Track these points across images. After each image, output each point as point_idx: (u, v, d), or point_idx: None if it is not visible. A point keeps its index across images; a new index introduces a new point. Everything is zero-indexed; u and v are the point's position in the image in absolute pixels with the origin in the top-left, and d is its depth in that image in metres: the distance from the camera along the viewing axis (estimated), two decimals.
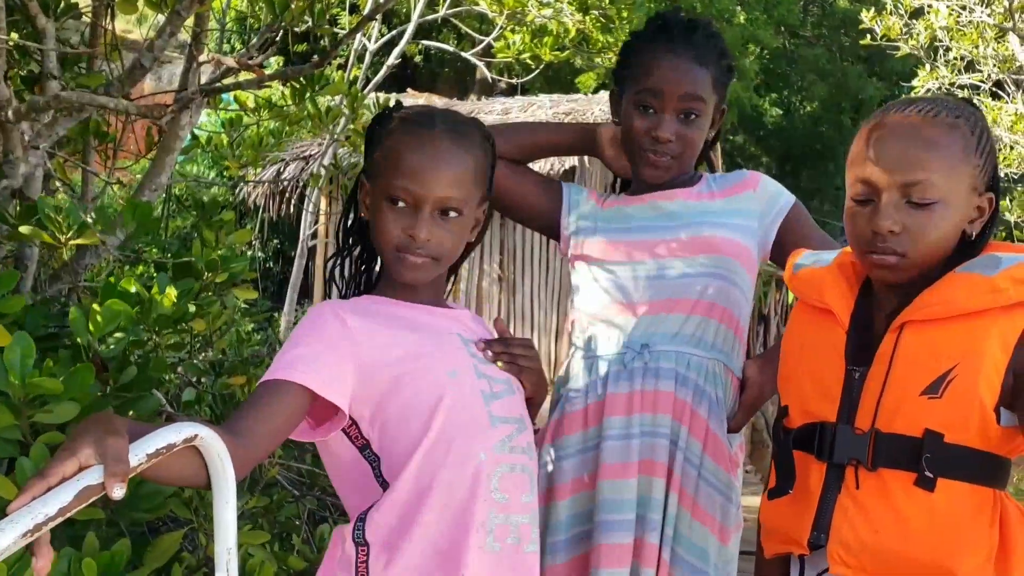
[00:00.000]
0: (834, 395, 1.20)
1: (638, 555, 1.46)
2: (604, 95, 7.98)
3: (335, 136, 3.11)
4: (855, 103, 17.42)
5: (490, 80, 3.46)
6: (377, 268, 1.35)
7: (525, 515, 1.25)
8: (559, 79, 10.95)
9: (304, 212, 4.14)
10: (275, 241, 8.02)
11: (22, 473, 1.21)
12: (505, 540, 1.20)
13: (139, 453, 0.86)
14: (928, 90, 5.10)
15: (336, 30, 3.23)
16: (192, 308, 1.53)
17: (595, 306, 1.57)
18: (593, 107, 7.59)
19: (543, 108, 7.72)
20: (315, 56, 1.99)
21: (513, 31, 3.50)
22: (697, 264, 1.52)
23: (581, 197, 1.64)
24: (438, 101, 8.93)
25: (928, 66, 4.82)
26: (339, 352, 1.15)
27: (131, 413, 1.48)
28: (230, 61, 1.48)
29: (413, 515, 1.15)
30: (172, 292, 1.52)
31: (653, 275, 1.53)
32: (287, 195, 6.50)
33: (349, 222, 1.37)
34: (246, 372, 2.54)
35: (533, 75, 3.69)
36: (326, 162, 3.55)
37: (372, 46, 3.67)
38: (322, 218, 4.24)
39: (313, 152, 6.34)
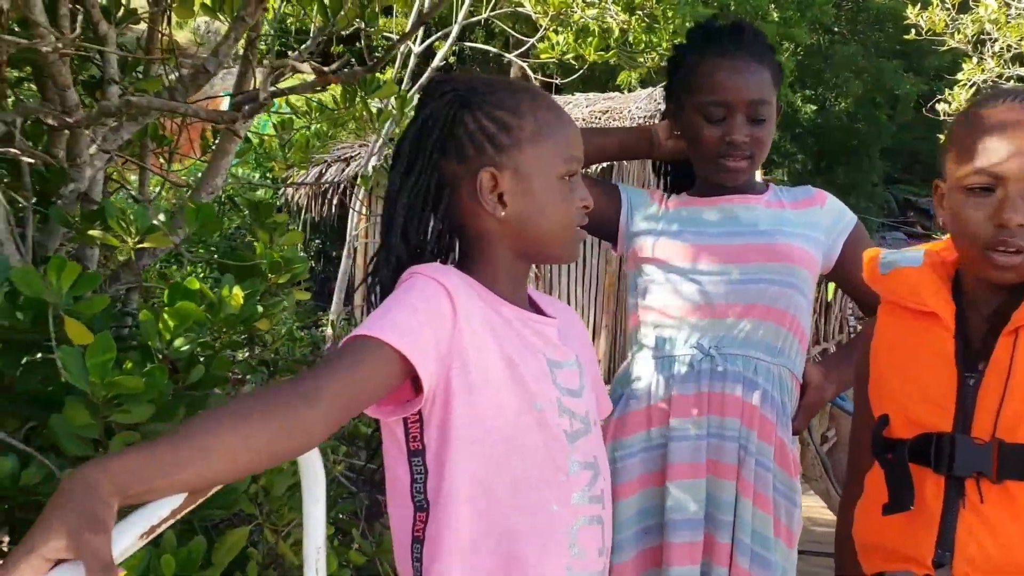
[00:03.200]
0: (947, 404, 1.13)
1: (709, 553, 1.47)
2: (641, 92, 7.96)
3: (384, 137, 3.13)
4: (890, 99, 17.21)
5: (535, 81, 3.44)
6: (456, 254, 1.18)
7: (596, 570, 1.13)
8: (594, 78, 10.92)
9: (351, 212, 4.16)
10: (316, 241, 8.11)
11: None
12: None
13: (127, 537, 0.74)
14: (974, 84, 5.02)
15: (388, 33, 3.25)
16: (260, 309, 1.55)
17: (664, 307, 1.57)
18: (630, 105, 7.57)
19: (579, 107, 7.71)
20: (352, 59, 2.01)
21: (556, 31, 3.51)
22: (771, 271, 1.52)
23: (643, 198, 1.65)
24: None
25: (976, 59, 4.75)
26: (438, 332, 0.99)
27: (199, 412, 1.50)
28: (306, 67, 1.49)
29: (475, 564, 1.03)
30: (239, 293, 1.54)
31: (727, 280, 1.53)
32: (328, 196, 6.56)
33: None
34: (297, 371, 2.58)
35: (575, 76, 3.69)
36: (374, 163, 3.58)
37: (416, 48, 3.70)
38: (361, 218, 4.25)
39: (353, 154, 6.39)
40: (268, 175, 6.10)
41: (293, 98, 2.64)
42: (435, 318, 1.00)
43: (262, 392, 0.87)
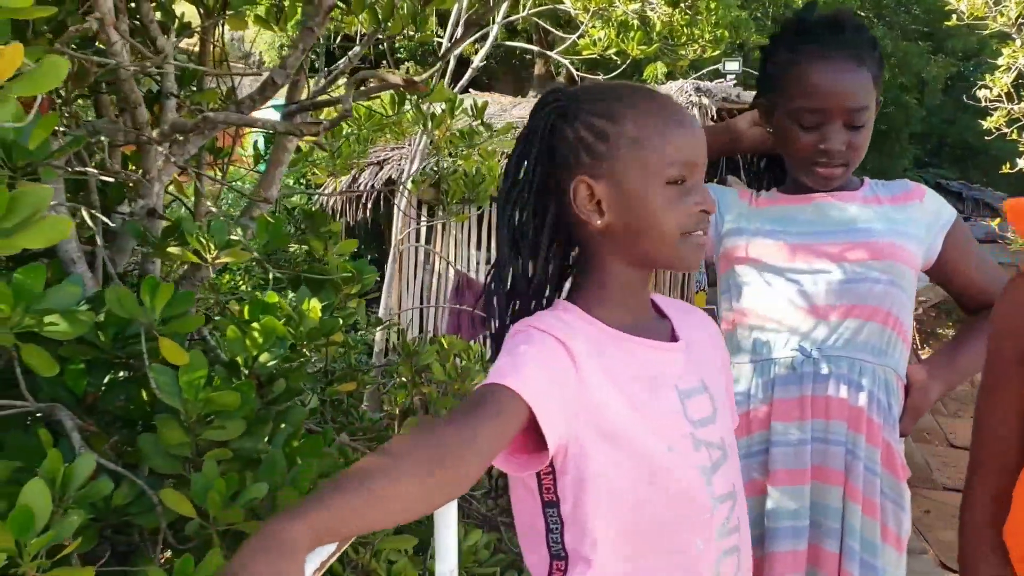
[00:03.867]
0: None
1: (815, 563, 1.43)
2: (671, 85, 7.89)
3: (426, 141, 3.12)
4: (918, 82, 16.97)
5: (576, 78, 3.39)
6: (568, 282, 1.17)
7: None
8: (623, 73, 10.85)
9: (395, 216, 4.15)
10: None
11: (196, 489, 1.23)
12: None
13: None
14: (1015, 67, 4.93)
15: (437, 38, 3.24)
16: (340, 321, 1.54)
17: (762, 309, 1.53)
18: None
19: None
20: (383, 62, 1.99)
21: (594, 27, 3.48)
22: (874, 270, 1.47)
23: (731, 197, 1.60)
24: (503, 100, 8.93)
25: (1019, 42, 4.66)
26: (564, 389, 0.98)
27: (283, 425, 1.49)
28: (395, 78, 1.48)
29: None
30: (317, 306, 1.53)
31: (828, 280, 1.48)
32: (363, 201, 6.57)
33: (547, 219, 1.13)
34: (354, 379, 2.57)
35: (613, 71, 3.65)
36: (415, 167, 3.57)
37: (455, 50, 3.67)
38: (398, 223, 4.25)
39: (386, 158, 6.39)
40: (301, 181, 6.11)
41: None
42: (558, 375, 0.99)
43: (429, 438, 0.85)
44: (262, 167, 2.42)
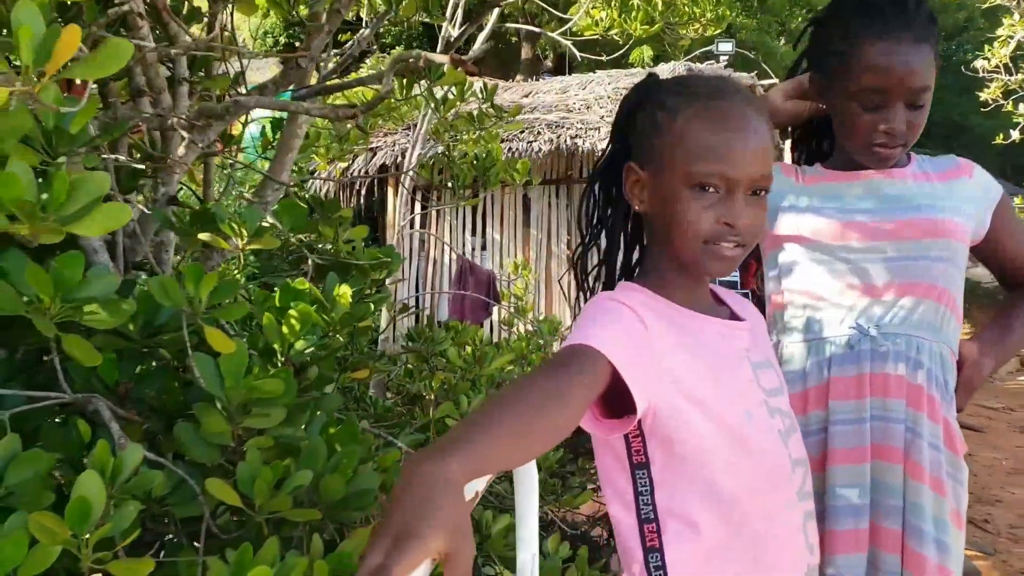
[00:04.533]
0: None
1: (877, 541, 1.42)
2: (664, 67, 7.87)
3: (428, 126, 3.11)
4: None
5: (578, 59, 3.36)
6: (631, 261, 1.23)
7: (816, 564, 1.18)
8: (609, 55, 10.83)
9: (394, 203, 4.11)
10: None
11: (242, 477, 1.22)
12: None
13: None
14: (1014, 39, 4.93)
15: (443, 23, 3.21)
16: (371, 307, 1.53)
17: (814, 288, 1.52)
18: None
19: (602, 84, 7.64)
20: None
21: (595, 7, 3.46)
22: (929, 248, 1.47)
23: (775, 172, 1.57)
24: (491, 83, 8.88)
25: (1016, 15, 4.67)
26: (645, 353, 1.01)
27: (318, 413, 1.48)
28: (443, 59, 1.45)
29: (721, 566, 1.06)
30: (347, 292, 1.52)
31: (883, 257, 1.47)
32: (356, 187, 6.54)
33: (604, 212, 1.21)
34: (367, 366, 2.56)
35: (621, 52, 3.63)
36: (417, 152, 3.54)
37: (455, 32, 3.65)
38: (400, 209, 4.22)
39: (379, 144, 6.35)
40: (297, 167, 6.06)
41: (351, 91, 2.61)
42: (638, 339, 1.02)
43: (527, 390, 0.87)
44: (270, 153, 2.40)
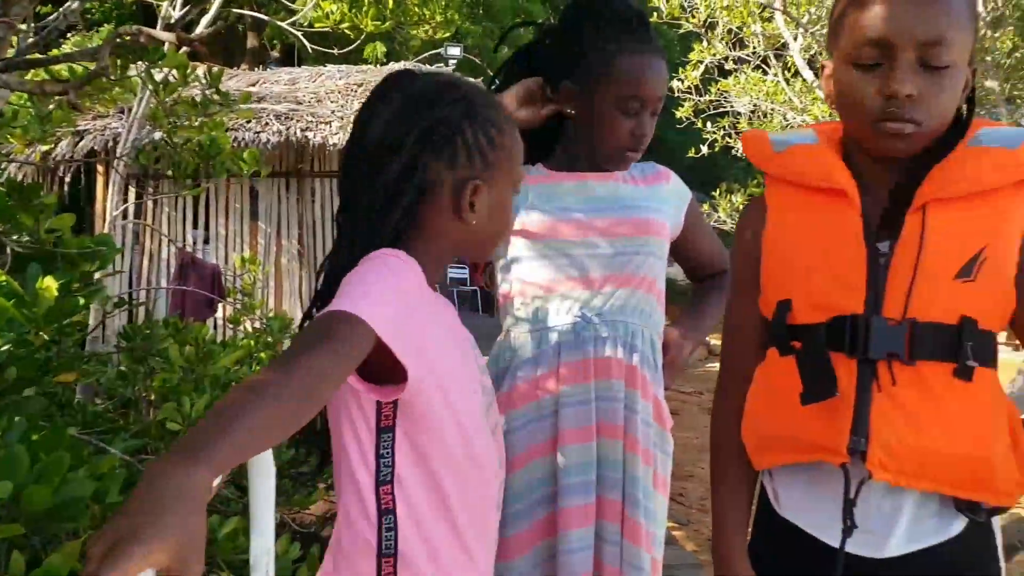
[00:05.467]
0: (858, 285, 1.08)
1: (602, 513, 1.54)
2: (395, 66, 7.90)
3: (144, 110, 2.89)
4: None
5: (308, 51, 3.26)
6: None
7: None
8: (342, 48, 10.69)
9: (110, 190, 3.78)
10: None
11: None
12: None
13: None
14: (703, 64, 5.53)
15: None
16: (80, 301, 1.41)
17: (539, 280, 1.60)
18: None
19: (333, 79, 7.53)
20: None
21: (327, 0, 3.41)
22: (639, 244, 1.60)
23: None
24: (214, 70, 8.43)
25: (705, 41, 5.24)
26: (411, 323, 1.01)
27: (16, 419, 1.34)
28: (168, 36, 1.35)
29: (448, 531, 1.11)
30: (53, 285, 1.39)
31: (602, 252, 1.59)
32: (60, 173, 5.93)
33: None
34: (73, 367, 2.35)
35: (353, 47, 3.61)
36: (132, 137, 3.28)
37: (176, 13, 3.42)
38: (114, 198, 3.89)
39: (86, 128, 5.81)
40: None
41: (55, 67, 2.36)
42: (411, 304, 1.03)
43: (286, 375, 0.82)
44: None
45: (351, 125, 1.20)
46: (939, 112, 1.07)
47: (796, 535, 1.16)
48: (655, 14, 4.99)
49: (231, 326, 3.78)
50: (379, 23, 3.28)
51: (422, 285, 1.09)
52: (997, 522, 1.14)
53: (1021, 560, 5.30)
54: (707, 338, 1.81)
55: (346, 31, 3.29)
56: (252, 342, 3.01)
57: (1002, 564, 1.13)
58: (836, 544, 1.10)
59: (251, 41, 13.60)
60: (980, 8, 4.48)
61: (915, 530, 1.10)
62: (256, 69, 10.30)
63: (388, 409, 1.06)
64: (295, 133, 6.57)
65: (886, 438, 1.05)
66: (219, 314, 5.36)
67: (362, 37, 3.33)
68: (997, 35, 4.60)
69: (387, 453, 1.07)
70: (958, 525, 1.10)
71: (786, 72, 5.37)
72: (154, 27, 3.69)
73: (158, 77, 2.49)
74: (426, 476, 1.08)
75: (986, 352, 1.07)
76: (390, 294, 1.00)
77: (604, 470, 1.55)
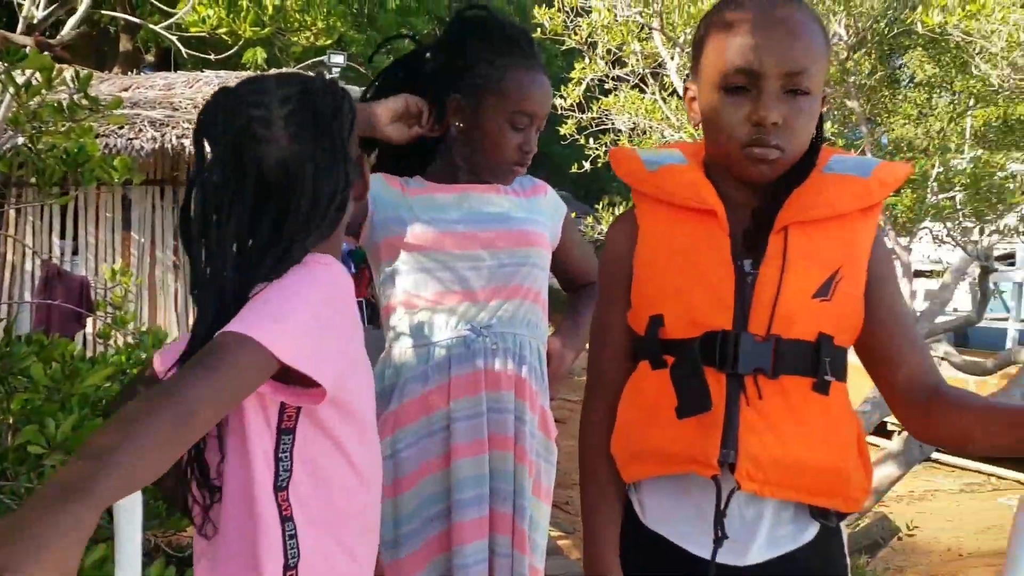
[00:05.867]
0: (727, 302, 1.12)
1: (494, 526, 1.54)
2: (274, 72, 7.73)
3: (11, 112, 2.71)
4: None
5: (184, 55, 3.15)
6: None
7: None
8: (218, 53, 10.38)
9: None
10: None
11: None
12: None
13: None
14: (585, 81, 5.64)
15: None
16: None
17: (429, 293, 1.59)
18: None
19: (211, 84, 7.30)
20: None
21: (202, 4, 3.30)
22: (521, 256, 1.62)
23: (383, 185, 1.62)
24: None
25: (587, 59, 5.35)
26: (331, 333, 1.04)
27: None
28: (25, 40, 1.26)
29: (343, 532, 1.12)
30: None
31: (487, 264, 1.59)
32: None
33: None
34: None
35: (231, 52, 3.50)
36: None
37: (39, 13, 3.23)
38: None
39: None
40: None
41: None
42: (324, 319, 1.04)
43: (174, 401, 0.82)
44: None
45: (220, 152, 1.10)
46: (801, 138, 1.13)
47: (662, 545, 1.18)
48: (539, 30, 5.06)
49: (101, 341, 3.60)
50: (258, 28, 3.20)
51: (349, 293, 1.09)
52: (843, 525, 1.20)
53: (884, 556, 5.61)
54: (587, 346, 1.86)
55: (224, 36, 3.20)
56: (123, 357, 2.87)
57: (848, 563, 1.19)
58: (702, 554, 1.13)
59: (124, 44, 13.05)
60: (842, 32, 4.76)
61: (774, 537, 1.14)
62: (130, 73, 9.88)
63: (292, 411, 1.06)
64: (171, 140, 6.35)
65: (753, 450, 1.09)
66: (88, 329, 5.10)
67: (240, 42, 3.24)
68: (858, 57, 4.89)
69: (286, 457, 1.06)
70: (812, 531, 1.15)
71: (663, 91, 5.55)
72: (15, 28, 3.50)
73: (20, 79, 2.35)
74: (320, 485, 1.07)
75: (840, 367, 1.13)
76: (305, 310, 0.99)
77: (496, 483, 1.56)
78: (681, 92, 5.29)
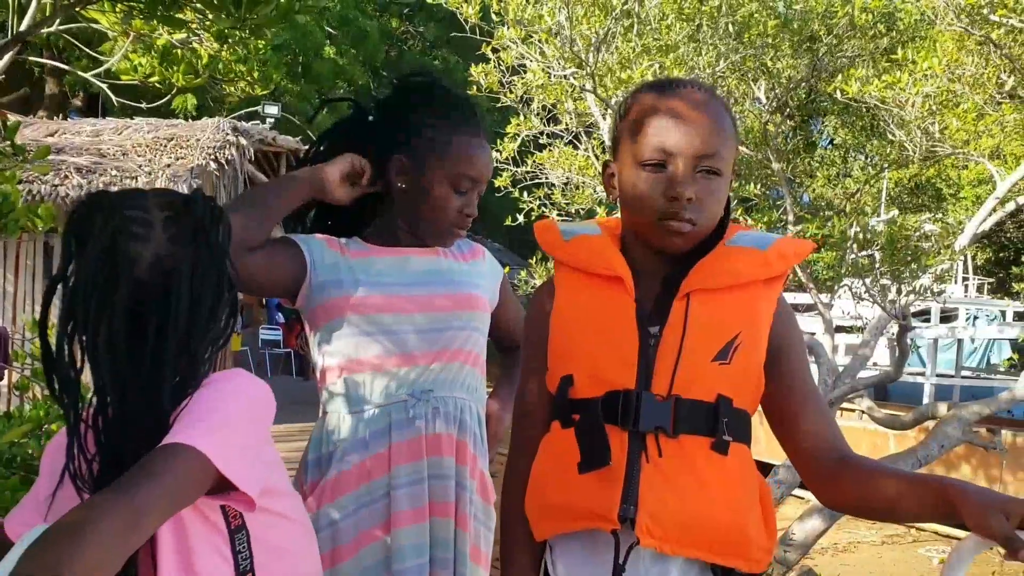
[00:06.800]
0: (631, 363, 1.18)
1: None
2: (208, 122, 7.68)
3: None
4: None
5: (114, 103, 3.09)
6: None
7: None
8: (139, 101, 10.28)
9: None
10: None
11: None
12: None
13: None
14: (520, 137, 5.75)
15: None
16: None
17: (368, 356, 1.56)
18: (197, 133, 7.26)
19: (140, 132, 7.20)
20: None
21: (135, 52, 3.26)
22: (462, 318, 1.61)
23: (322, 246, 1.60)
24: (11, 119, 7.88)
25: (522, 116, 5.46)
26: (261, 443, 1.10)
27: None
28: None
29: None
30: None
31: (427, 327, 1.58)
32: None
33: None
34: None
35: (163, 101, 3.48)
36: None
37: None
38: None
39: None
40: None
41: None
42: (254, 431, 1.09)
43: (120, 510, 0.85)
44: None
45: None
46: (712, 214, 1.22)
47: None
48: (475, 87, 5.14)
49: (18, 393, 3.46)
50: (192, 77, 3.19)
51: (267, 399, 1.13)
52: None
53: None
54: None
55: (156, 84, 3.17)
56: (42, 412, 2.76)
57: None
58: None
59: (51, 87, 12.81)
60: (762, 97, 4.96)
61: None
62: (56, 118, 9.67)
63: (234, 511, 1.07)
64: (97, 187, 6.21)
65: (652, 506, 1.13)
66: (3, 381, 4.90)
67: (173, 91, 3.21)
68: (779, 122, 5.09)
69: (244, 549, 1.07)
70: None
71: (596, 149, 5.68)
72: None
73: None
74: (284, 557, 1.12)
75: (741, 429, 1.18)
76: (237, 422, 1.04)
77: (436, 551, 1.54)
78: None
